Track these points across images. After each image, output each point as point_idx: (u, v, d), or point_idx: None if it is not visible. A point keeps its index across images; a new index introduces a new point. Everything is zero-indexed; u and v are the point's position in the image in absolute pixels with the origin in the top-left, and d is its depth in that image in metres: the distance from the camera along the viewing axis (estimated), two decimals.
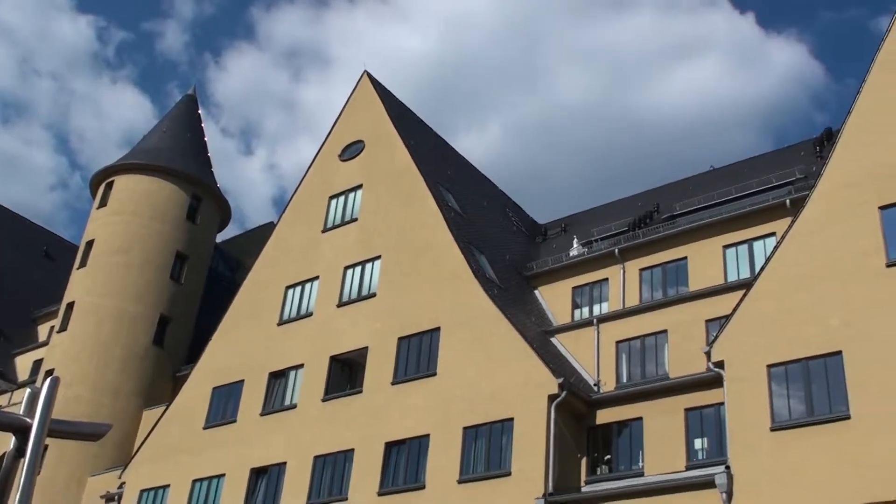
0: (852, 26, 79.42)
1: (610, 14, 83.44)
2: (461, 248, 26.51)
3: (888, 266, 18.91)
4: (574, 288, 27.93)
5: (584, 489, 22.09)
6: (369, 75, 33.31)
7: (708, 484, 18.92)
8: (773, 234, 24.07)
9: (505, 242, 30.90)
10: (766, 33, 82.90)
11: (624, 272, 26.82)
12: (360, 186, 30.62)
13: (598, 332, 25.36)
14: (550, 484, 21.35)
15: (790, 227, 20.97)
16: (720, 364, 20.25)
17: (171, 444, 29.72)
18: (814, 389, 18.87)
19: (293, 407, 27.48)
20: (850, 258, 19.49)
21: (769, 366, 19.56)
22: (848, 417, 18.02)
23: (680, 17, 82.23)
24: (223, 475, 27.66)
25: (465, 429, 23.50)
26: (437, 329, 25.60)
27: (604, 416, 23.14)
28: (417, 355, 25.74)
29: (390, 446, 24.64)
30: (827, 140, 27.10)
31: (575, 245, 29.44)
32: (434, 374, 24.91)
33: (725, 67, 79.58)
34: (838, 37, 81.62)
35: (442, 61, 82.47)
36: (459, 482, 22.85)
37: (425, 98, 75.40)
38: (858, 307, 18.88)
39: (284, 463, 26.47)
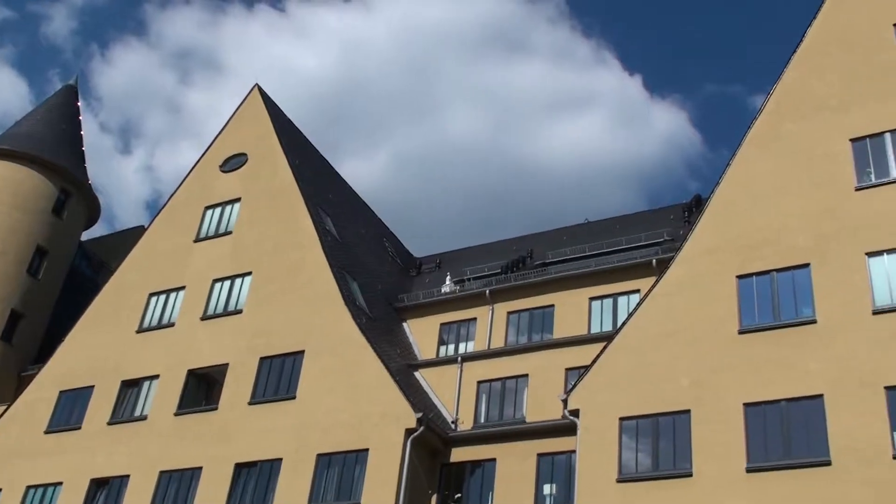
0: (731, 101, 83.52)
1: (505, 59, 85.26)
2: (334, 273, 26.38)
3: (740, 333, 19.81)
4: (442, 324, 28.13)
5: None
6: (260, 89, 32.97)
7: None
8: (637, 290, 24.87)
9: (379, 272, 30.92)
10: (651, 97, 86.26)
11: (492, 313, 27.19)
12: (238, 200, 30.15)
13: (462, 371, 25.59)
14: None
15: (653, 286, 21.76)
16: (575, 413, 20.73)
17: (8, 447, 28.28)
18: (661, 445, 19.52)
19: (143, 418, 26.60)
20: (705, 322, 20.33)
21: (621, 418, 20.15)
22: (690, 475, 18.69)
23: (572, 70, 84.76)
24: (60, 483, 26.47)
25: (319, 455, 23.25)
26: (302, 352, 25.33)
27: (458, 455, 23.32)
28: (278, 377, 25.37)
29: (241, 467, 24.13)
30: (696, 206, 28.28)
31: (447, 282, 29.72)
32: (293, 398, 24.59)
33: (609, 125, 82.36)
34: (717, 109, 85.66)
35: (336, 83, 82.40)
36: None
37: (315, 118, 75.10)
38: (709, 370, 19.69)
39: (128, 476, 25.53)
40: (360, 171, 77.20)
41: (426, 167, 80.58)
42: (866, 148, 20.87)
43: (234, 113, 32.78)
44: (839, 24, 22.88)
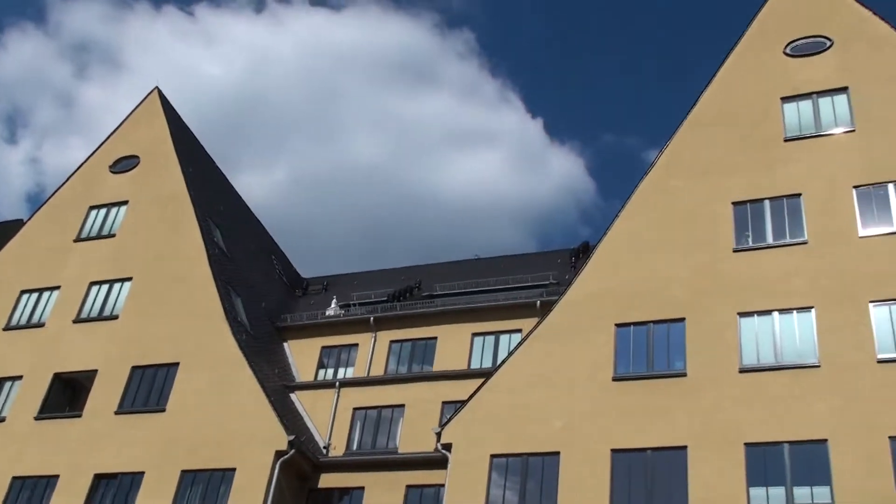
0: (627, 152, 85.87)
1: (411, 88, 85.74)
2: (218, 287, 25.91)
3: (614, 380, 20.30)
4: (324, 347, 27.88)
5: None
6: (160, 91, 32.32)
7: None
8: (520, 330, 25.21)
9: (264, 290, 30.48)
10: (550, 141, 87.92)
11: (375, 341, 27.13)
12: (125, 202, 29.38)
13: (339, 396, 25.42)
14: None
15: (535, 327, 22.12)
16: (448, 446, 20.82)
17: None
18: (529, 484, 19.75)
19: (1, 420, 25.43)
20: (582, 367, 20.76)
21: (493, 455, 20.32)
22: None
23: (476, 106, 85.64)
24: None
25: (184, 472, 22.66)
26: (176, 364, 24.73)
27: (327, 481, 23.10)
28: (149, 388, 24.68)
29: (100, 478, 23.29)
30: (583, 252, 28.93)
31: (333, 305, 29.52)
32: (163, 410, 23.94)
33: (508, 164, 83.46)
34: (613, 159, 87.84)
35: (239, 95, 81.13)
36: None
37: (214, 127, 73.69)
38: (581, 414, 20.09)
39: None
40: (256, 185, 76.10)
41: (322, 188, 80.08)
42: (746, 212, 21.79)
43: (131, 113, 32.01)
44: (731, 93, 23.94)
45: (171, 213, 28.28)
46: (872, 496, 16.94)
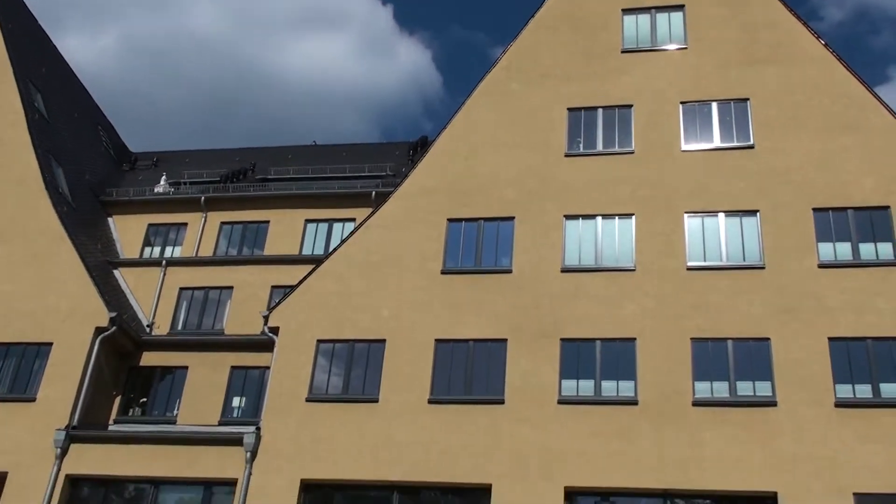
0: (475, 48, 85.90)
1: None
2: (38, 155, 24.57)
3: (442, 273, 20.85)
4: (150, 225, 27.11)
5: (111, 427, 21.59)
6: None
7: (236, 441, 19.45)
8: (353, 219, 25.37)
9: (88, 161, 29.09)
10: (399, 29, 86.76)
11: (205, 221, 26.59)
12: None
13: (164, 275, 24.95)
14: (76, 417, 20.58)
15: (368, 216, 22.30)
16: (275, 330, 20.93)
17: None
18: (353, 370, 20.22)
19: None
20: (412, 259, 21.19)
21: (319, 340, 20.62)
22: (377, 401, 19.56)
23: None
24: None
25: None
26: None
27: (149, 359, 22.85)
28: None
29: None
30: (421, 146, 29.17)
31: (162, 182, 28.61)
32: None
33: (355, 50, 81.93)
34: (461, 54, 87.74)
35: None
36: None
37: None
38: (408, 304, 20.61)
39: None
40: (83, 49, 71.62)
41: (156, 58, 76.28)
42: (580, 119, 22.49)
43: None
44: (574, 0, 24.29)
45: None
46: (672, 390, 18.42)
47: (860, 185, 20.09)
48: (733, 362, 18.64)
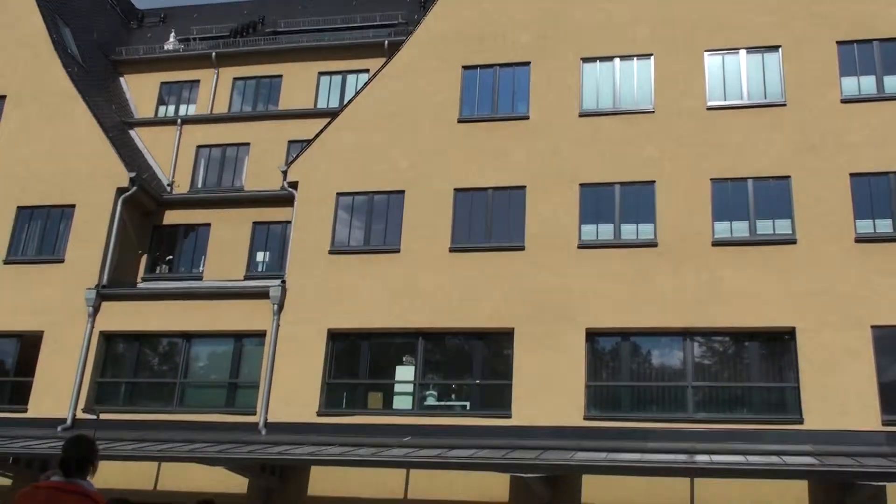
0: None
1: None
2: (43, 15, 24.12)
3: (459, 122, 20.67)
4: (163, 83, 26.83)
5: (139, 285, 22.04)
6: None
7: (262, 294, 19.85)
8: (367, 70, 24.97)
9: (95, 20, 28.51)
10: None
11: (217, 77, 26.27)
12: None
13: (181, 133, 24.87)
14: (105, 276, 20.99)
15: (382, 67, 21.94)
16: (294, 185, 21.00)
17: None
18: (374, 221, 20.38)
19: None
20: (428, 108, 20.96)
21: (338, 193, 20.70)
22: (398, 251, 19.79)
23: None
24: None
25: (20, 208, 22.10)
26: (3, 97, 23.37)
27: (172, 217, 23.07)
28: None
29: None
30: None
31: (171, 39, 28.13)
32: None
33: None
34: None
35: None
36: (6, 262, 21.59)
37: None
38: (426, 154, 20.53)
39: None
40: None
41: None
42: None
43: None
44: None
45: None
46: (691, 231, 18.49)
47: (886, 16, 19.46)
48: (753, 201, 18.61)
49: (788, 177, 18.57)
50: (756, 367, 17.65)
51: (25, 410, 20.01)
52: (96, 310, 20.56)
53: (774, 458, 15.22)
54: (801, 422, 16.67)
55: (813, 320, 17.29)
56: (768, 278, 17.81)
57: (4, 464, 18.48)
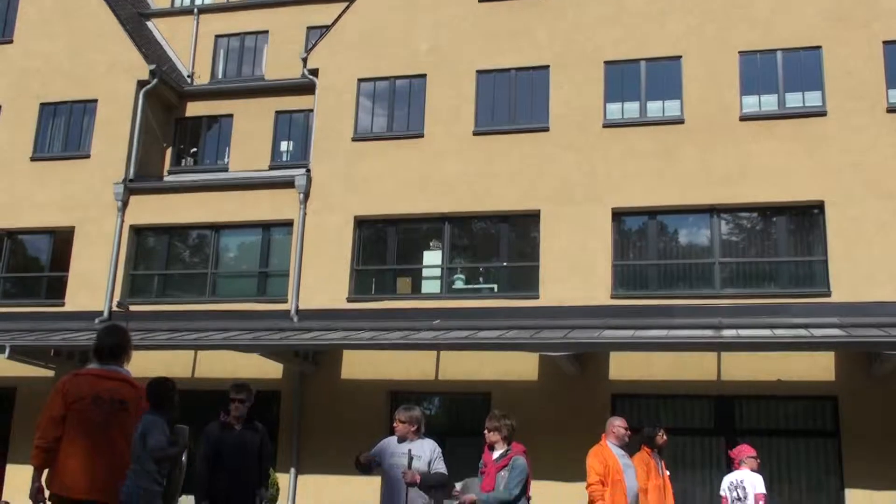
0: None
1: None
2: None
3: (479, 1, 20.16)
4: None
5: (166, 178, 22.17)
6: None
7: (288, 184, 19.90)
8: None
9: None
10: None
11: None
12: None
13: (198, 23, 24.49)
14: (132, 170, 21.10)
15: None
16: (315, 72, 20.77)
17: None
18: (396, 107, 20.20)
19: None
20: None
21: (360, 79, 20.46)
22: (422, 136, 19.67)
23: None
24: None
25: (43, 104, 22.09)
26: None
27: (194, 109, 22.97)
28: None
29: None
30: None
31: None
32: (10, 42, 22.74)
33: None
34: None
35: None
36: (33, 159, 21.74)
37: None
38: (446, 36, 20.14)
39: None
40: None
41: None
42: None
43: None
44: None
45: None
46: (718, 106, 18.17)
47: None
48: (782, 74, 18.18)
49: (819, 47, 18.07)
50: (784, 242, 17.59)
51: (63, 304, 20.48)
52: (125, 204, 20.75)
53: (801, 331, 15.31)
54: (828, 294, 16.70)
55: (842, 193, 17.11)
56: (797, 152, 17.56)
57: (46, 356, 19.04)
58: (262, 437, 8.71)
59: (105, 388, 5.57)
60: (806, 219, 17.60)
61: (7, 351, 17.81)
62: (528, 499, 8.11)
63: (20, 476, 18.03)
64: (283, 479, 17.86)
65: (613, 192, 18.22)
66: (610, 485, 9.26)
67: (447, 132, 19.49)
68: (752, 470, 10.55)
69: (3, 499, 17.56)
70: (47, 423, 5.47)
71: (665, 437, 10.74)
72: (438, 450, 8.17)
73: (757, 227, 18.07)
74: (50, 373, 19.48)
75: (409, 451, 7.92)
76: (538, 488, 15.20)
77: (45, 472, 5.57)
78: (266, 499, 8.91)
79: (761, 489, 10.33)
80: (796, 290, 17.04)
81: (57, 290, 20.90)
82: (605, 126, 18.66)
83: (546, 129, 18.96)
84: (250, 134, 22.20)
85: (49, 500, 5.56)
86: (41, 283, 21.40)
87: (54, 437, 5.45)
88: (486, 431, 8.37)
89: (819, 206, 17.29)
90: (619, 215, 18.31)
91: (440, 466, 8.06)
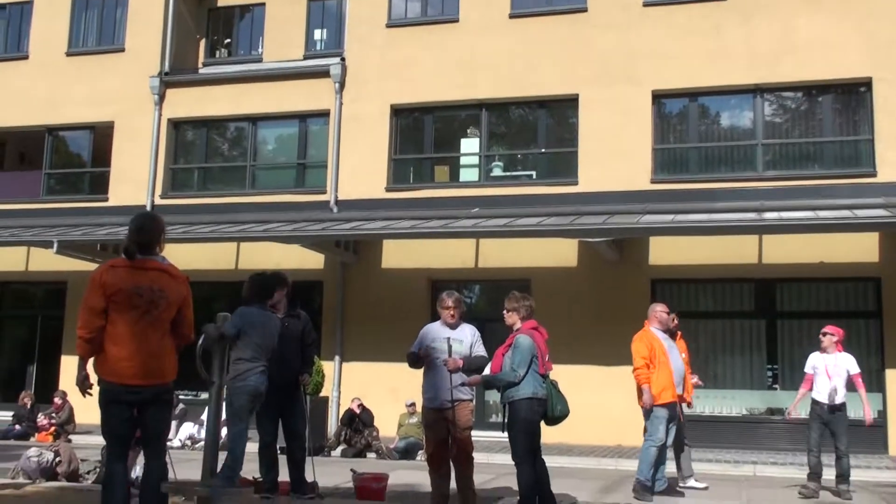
0: None
1: None
2: None
3: None
4: None
5: (201, 70, 22.03)
6: None
7: (323, 73, 19.70)
8: None
9: None
10: None
11: None
12: None
13: None
14: (167, 63, 21.00)
15: None
16: None
17: None
18: None
19: None
20: None
21: None
22: (457, 20, 19.25)
23: None
24: None
25: None
26: None
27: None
28: None
29: None
30: None
31: None
32: None
33: None
34: None
35: None
36: (68, 54, 21.71)
37: None
38: None
39: None
40: None
41: None
42: None
43: None
44: None
45: None
46: None
47: None
48: None
49: None
50: (829, 121, 17.16)
51: (106, 199, 20.74)
52: (162, 97, 20.74)
53: (845, 213, 15.09)
54: (874, 175, 16.35)
55: (891, 69, 16.53)
56: (845, 27, 16.92)
57: (93, 250, 19.40)
58: (304, 324, 8.87)
59: (145, 278, 5.65)
60: (852, 97, 17.11)
61: (56, 245, 18.19)
62: (545, 375, 7.99)
63: (74, 366, 18.63)
64: (329, 367, 18.24)
65: (653, 73, 17.78)
66: (657, 367, 9.52)
67: (483, 15, 19.05)
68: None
69: (60, 388, 18.21)
70: (89, 314, 5.58)
71: (676, 320, 10.75)
72: (478, 334, 8.24)
73: (801, 106, 17.63)
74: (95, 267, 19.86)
75: (448, 338, 7.99)
76: (579, 374, 15.45)
77: (91, 360, 5.72)
78: (309, 384, 9.12)
79: (856, 369, 10.54)
80: (841, 171, 16.70)
81: (100, 185, 21.16)
82: (644, 5, 18.08)
83: (584, 10, 18.45)
84: (283, 22, 21.85)
85: (98, 384, 5.72)
86: (84, 179, 21.68)
87: (97, 327, 5.57)
88: (504, 312, 8.32)
89: (867, 84, 16.76)
90: (659, 98, 17.94)
91: (480, 350, 8.14)
